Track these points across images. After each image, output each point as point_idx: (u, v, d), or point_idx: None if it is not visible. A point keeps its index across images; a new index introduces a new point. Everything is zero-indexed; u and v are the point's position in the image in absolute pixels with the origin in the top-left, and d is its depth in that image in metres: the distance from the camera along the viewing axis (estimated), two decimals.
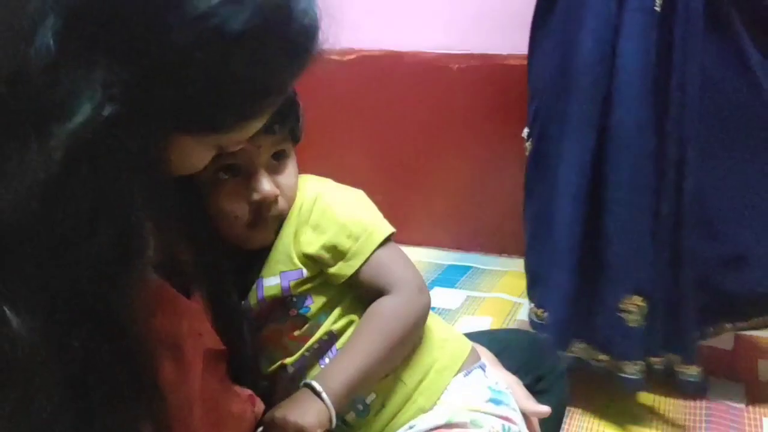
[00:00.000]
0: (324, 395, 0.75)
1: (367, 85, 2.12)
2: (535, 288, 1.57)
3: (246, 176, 0.80)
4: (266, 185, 0.80)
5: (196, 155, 0.63)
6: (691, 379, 1.39)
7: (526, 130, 1.57)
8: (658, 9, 1.29)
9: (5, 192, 0.47)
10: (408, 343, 0.84)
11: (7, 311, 0.49)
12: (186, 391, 0.69)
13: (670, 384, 1.45)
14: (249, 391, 0.81)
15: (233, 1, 0.53)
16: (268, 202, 0.80)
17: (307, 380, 0.77)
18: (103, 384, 0.55)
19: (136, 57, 0.50)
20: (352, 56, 2.08)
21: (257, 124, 0.64)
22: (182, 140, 0.58)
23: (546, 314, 1.49)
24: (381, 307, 0.81)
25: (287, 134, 0.82)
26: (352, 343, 0.80)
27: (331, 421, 0.75)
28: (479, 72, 2.01)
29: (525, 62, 1.95)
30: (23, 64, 0.47)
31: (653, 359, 1.40)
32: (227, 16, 0.53)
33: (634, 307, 1.38)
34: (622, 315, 1.38)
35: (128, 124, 0.50)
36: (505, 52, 1.99)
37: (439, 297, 1.90)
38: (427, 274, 2.03)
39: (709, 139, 1.34)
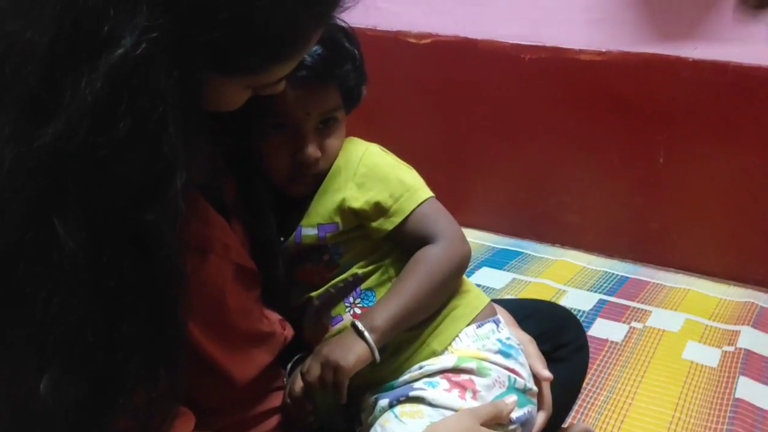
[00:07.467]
0: (367, 335, 0.81)
1: (441, 68, 2.17)
2: None
3: (293, 134, 0.85)
4: (310, 149, 0.85)
5: (230, 94, 0.69)
6: None
7: None
8: None
9: (62, 117, 0.55)
10: (449, 287, 0.89)
11: (57, 222, 0.56)
12: (217, 292, 0.77)
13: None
14: (279, 316, 0.90)
15: None
16: (309, 162, 0.86)
17: (354, 321, 0.83)
18: (132, 298, 0.60)
19: (171, 5, 0.57)
20: (428, 40, 2.14)
21: (284, 69, 0.68)
22: (216, 80, 0.64)
23: None
24: (426, 253, 0.87)
25: (340, 103, 0.87)
26: (398, 285, 0.85)
27: (373, 357, 0.82)
28: (550, 64, 2.03)
29: (596, 58, 1.96)
30: (81, 10, 0.55)
31: None
32: None
33: None
34: None
35: (164, 63, 0.57)
36: (577, 47, 2.00)
37: (485, 276, 1.91)
38: (477, 254, 2.05)
39: None
